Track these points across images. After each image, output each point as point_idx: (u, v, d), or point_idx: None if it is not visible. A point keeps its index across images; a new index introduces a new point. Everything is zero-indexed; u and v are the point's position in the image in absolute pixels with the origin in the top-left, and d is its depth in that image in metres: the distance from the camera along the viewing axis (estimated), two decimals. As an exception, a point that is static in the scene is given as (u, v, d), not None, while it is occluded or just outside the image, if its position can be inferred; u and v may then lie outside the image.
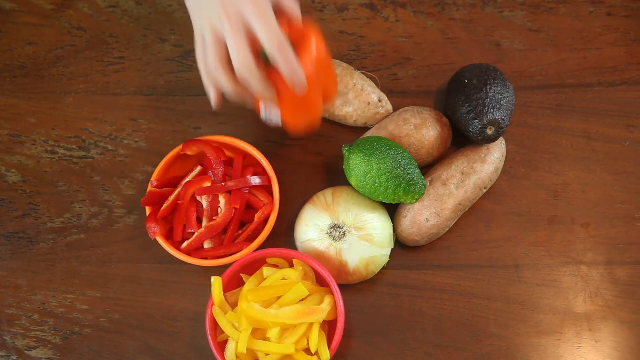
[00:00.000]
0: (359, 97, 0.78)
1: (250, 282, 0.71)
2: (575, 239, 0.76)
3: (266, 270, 0.71)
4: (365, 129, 0.80)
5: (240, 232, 0.75)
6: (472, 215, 0.77)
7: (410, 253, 0.76)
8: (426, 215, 0.73)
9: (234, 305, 0.71)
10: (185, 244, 0.73)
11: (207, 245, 0.74)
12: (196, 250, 0.74)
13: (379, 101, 0.79)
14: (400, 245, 0.76)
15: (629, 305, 0.74)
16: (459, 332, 0.74)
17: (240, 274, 0.73)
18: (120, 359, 0.75)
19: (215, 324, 0.70)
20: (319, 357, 0.68)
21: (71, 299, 0.78)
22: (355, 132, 0.81)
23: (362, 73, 0.80)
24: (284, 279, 0.70)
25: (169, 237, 0.74)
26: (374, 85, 0.80)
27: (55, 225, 0.80)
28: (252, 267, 0.73)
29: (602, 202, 0.77)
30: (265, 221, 0.74)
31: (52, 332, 0.76)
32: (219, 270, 0.74)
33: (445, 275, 0.76)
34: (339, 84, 0.78)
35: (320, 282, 0.72)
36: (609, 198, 0.78)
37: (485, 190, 0.76)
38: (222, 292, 0.70)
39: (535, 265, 0.76)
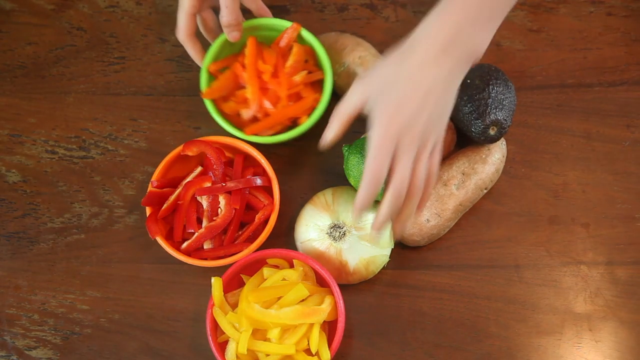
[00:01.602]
0: None
1: (250, 283, 0.71)
2: (575, 239, 0.76)
3: (266, 271, 0.71)
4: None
5: (240, 232, 0.75)
6: (472, 215, 0.77)
7: (410, 253, 0.76)
8: (427, 216, 0.73)
9: (234, 306, 0.71)
10: (185, 244, 0.73)
11: (206, 245, 0.74)
12: (196, 251, 0.74)
13: None
14: (400, 245, 0.76)
15: (629, 305, 0.74)
16: (459, 332, 0.74)
17: (241, 275, 0.73)
18: (120, 359, 0.75)
19: (215, 325, 0.70)
20: (319, 358, 0.68)
21: (71, 299, 0.78)
22: (355, 132, 0.81)
23: None
24: (284, 279, 0.70)
25: (169, 237, 0.74)
26: None
27: (55, 225, 0.80)
28: (252, 267, 0.73)
29: (602, 202, 0.77)
30: (265, 222, 0.74)
31: (52, 332, 0.76)
32: (218, 271, 0.74)
33: (445, 275, 0.76)
34: (363, 64, 0.77)
35: (321, 282, 0.72)
36: (609, 198, 0.78)
37: (485, 191, 0.76)
38: (222, 293, 0.70)
39: (535, 265, 0.76)
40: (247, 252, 0.72)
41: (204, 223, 0.74)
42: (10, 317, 0.77)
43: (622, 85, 0.81)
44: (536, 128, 0.80)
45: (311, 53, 0.78)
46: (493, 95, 0.72)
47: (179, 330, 0.76)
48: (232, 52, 0.79)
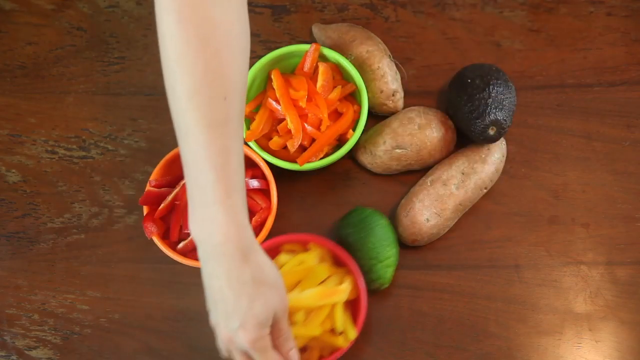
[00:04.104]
0: (376, 81, 0.78)
1: None
2: (575, 239, 0.76)
3: (283, 257, 0.72)
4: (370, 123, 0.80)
5: (236, 234, 0.75)
6: (472, 215, 0.77)
7: (410, 253, 0.76)
8: (426, 215, 0.73)
9: None
10: (181, 245, 0.73)
11: (203, 246, 0.74)
12: (192, 251, 0.73)
13: (392, 94, 0.78)
14: (401, 245, 0.76)
15: (629, 305, 0.74)
16: (459, 332, 0.74)
17: None
18: (120, 359, 0.75)
19: None
20: (345, 336, 0.68)
21: (71, 299, 0.78)
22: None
23: (394, 61, 0.80)
24: (301, 263, 0.71)
25: (165, 237, 0.74)
26: (398, 77, 0.79)
27: (55, 225, 0.80)
28: (269, 255, 0.73)
29: (602, 202, 0.77)
30: (262, 225, 0.74)
31: (52, 332, 0.76)
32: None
33: (445, 275, 0.76)
34: (370, 59, 0.78)
35: (337, 262, 0.73)
36: (609, 198, 0.77)
37: (485, 191, 0.76)
38: None
39: (535, 265, 0.76)
40: None
41: (201, 223, 0.74)
42: (10, 317, 0.77)
43: (622, 85, 0.81)
44: (536, 128, 0.80)
45: (335, 68, 0.79)
46: (493, 95, 0.72)
47: (179, 330, 0.76)
48: (259, 91, 0.79)
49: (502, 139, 0.77)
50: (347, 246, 0.72)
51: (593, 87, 0.82)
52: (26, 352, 0.76)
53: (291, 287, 0.69)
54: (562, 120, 0.80)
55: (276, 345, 0.60)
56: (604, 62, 0.82)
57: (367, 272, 0.72)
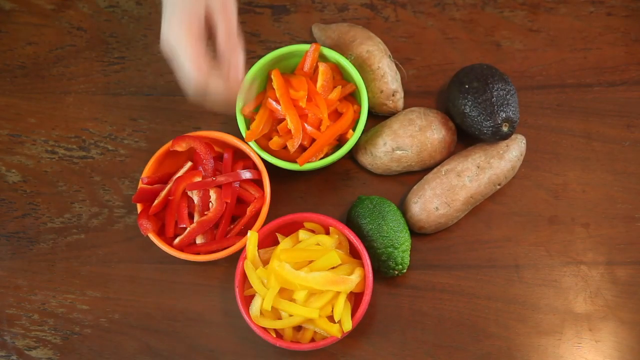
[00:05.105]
0: (376, 81, 0.78)
1: (285, 242, 0.72)
2: (575, 239, 0.76)
3: (302, 234, 0.73)
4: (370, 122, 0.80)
5: (232, 226, 0.75)
6: (472, 215, 0.77)
7: (411, 253, 0.76)
8: (436, 204, 0.73)
9: (265, 262, 0.72)
10: (177, 240, 0.73)
11: (199, 240, 0.74)
12: (189, 246, 0.74)
13: (392, 95, 0.78)
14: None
15: (629, 305, 0.74)
16: (459, 332, 0.74)
17: (276, 233, 0.73)
18: (120, 359, 0.75)
19: (244, 277, 0.71)
20: (340, 326, 0.68)
21: (71, 299, 0.78)
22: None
23: (394, 61, 0.80)
24: (318, 244, 0.71)
25: (161, 233, 0.75)
26: (398, 77, 0.79)
27: (55, 225, 0.80)
28: (289, 228, 0.74)
29: (602, 202, 0.77)
30: (256, 215, 0.74)
31: (52, 332, 0.76)
32: (213, 266, 0.74)
33: (445, 275, 0.76)
34: (370, 59, 0.78)
35: (353, 254, 0.73)
36: (609, 198, 0.77)
37: (498, 187, 0.76)
38: (257, 247, 0.71)
39: (535, 265, 0.76)
40: (239, 246, 0.72)
41: (196, 218, 0.74)
42: (10, 317, 0.77)
43: (622, 85, 0.81)
44: (536, 128, 0.80)
45: (335, 68, 0.79)
46: (495, 94, 0.73)
47: (179, 330, 0.76)
48: (259, 91, 0.79)
49: (522, 137, 0.77)
50: (361, 237, 0.72)
51: (593, 87, 0.82)
52: (26, 352, 0.76)
53: (302, 265, 0.70)
54: (562, 120, 0.81)
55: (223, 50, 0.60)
56: (604, 62, 0.82)
57: (386, 260, 0.72)
